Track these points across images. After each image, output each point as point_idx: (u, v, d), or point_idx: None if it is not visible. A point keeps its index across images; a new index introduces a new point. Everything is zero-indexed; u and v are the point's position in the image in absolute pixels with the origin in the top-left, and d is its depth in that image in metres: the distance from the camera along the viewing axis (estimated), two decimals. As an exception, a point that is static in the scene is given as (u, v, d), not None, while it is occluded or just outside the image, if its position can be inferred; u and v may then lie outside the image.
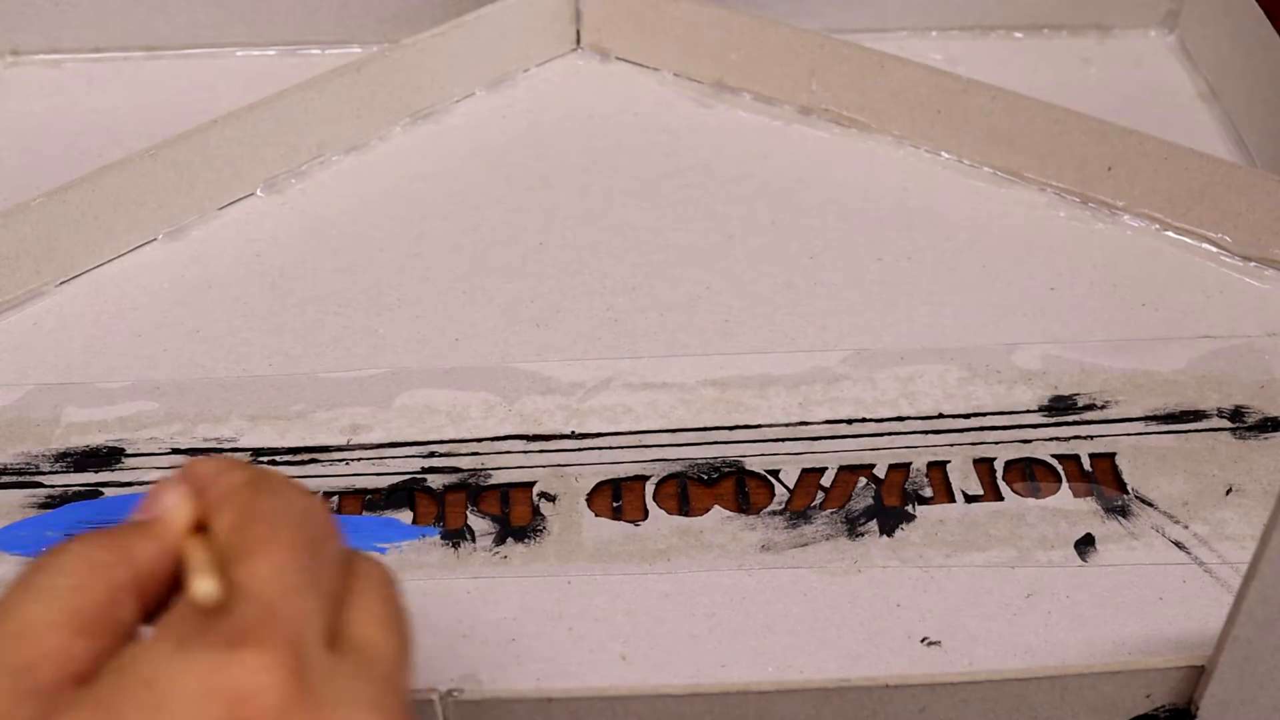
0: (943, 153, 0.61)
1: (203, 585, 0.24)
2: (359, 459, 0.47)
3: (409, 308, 0.53)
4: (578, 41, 0.67)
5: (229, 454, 0.47)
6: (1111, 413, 0.49)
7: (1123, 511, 0.45)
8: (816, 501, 0.46)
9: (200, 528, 0.28)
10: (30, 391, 0.49)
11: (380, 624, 0.27)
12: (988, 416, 0.49)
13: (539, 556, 0.44)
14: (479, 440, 0.48)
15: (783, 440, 0.48)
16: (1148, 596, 0.43)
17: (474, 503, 0.46)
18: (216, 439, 0.48)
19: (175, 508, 0.28)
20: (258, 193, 0.58)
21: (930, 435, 0.48)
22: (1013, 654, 0.41)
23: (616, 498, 0.46)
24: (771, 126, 0.63)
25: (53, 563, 0.26)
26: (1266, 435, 0.48)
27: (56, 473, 0.46)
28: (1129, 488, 0.46)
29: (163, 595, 0.27)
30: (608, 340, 0.52)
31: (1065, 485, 0.46)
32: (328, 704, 0.24)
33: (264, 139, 0.57)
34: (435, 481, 0.46)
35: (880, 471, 0.47)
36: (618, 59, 0.66)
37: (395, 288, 0.54)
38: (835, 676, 0.39)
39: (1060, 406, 0.49)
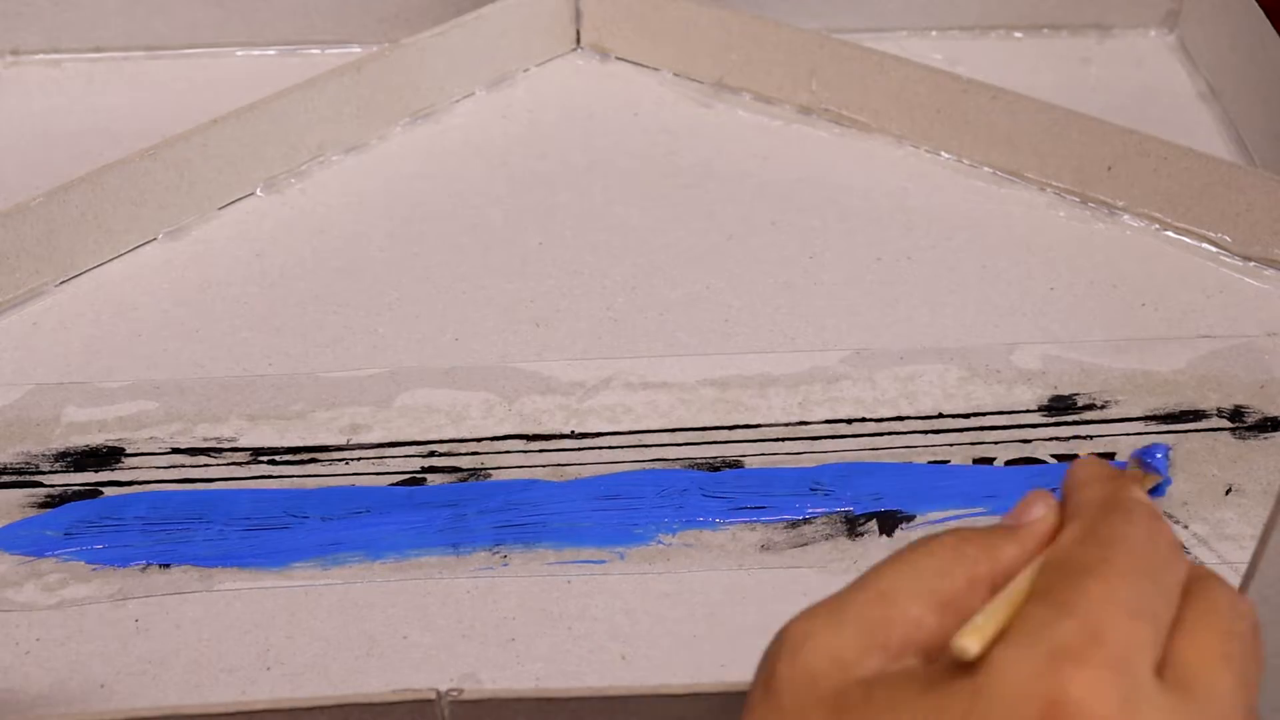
0: (943, 153, 0.61)
1: (964, 641, 0.25)
2: (359, 459, 0.47)
3: (409, 308, 0.53)
4: (578, 41, 0.67)
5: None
6: (1111, 413, 0.49)
7: (1123, 511, 0.45)
8: (816, 501, 0.46)
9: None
10: (30, 391, 0.49)
11: (1216, 660, 0.26)
12: (987, 416, 0.49)
13: (539, 556, 0.44)
14: (479, 440, 0.48)
15: (782, 440, 0.48)
16: (1147, 596, 0.43)
17: (474, 503, 0.46)
18: (216, 439, 0.48)
19: (1042, 520, 0.29)
20: (258, 193, 0.58)
21: (930, 435, 0.48)
22: (1012, 654, 0.41)
23: (616, 498, 0.46)
24: (771, 126, 0.63)
25: (926, 545, 0.28)
26: (1266, 435, 0.48)
27: (56, 472, 0.46)
28: (1129, 488, 0.46)
29: None
30: (608, 340, 0.52)
31: (1065, 485, 0.46)
32: None
33: (264, 139, 0.57)
34: (435, 481, 0.46)
35: (880, 471, 0.47)
36: (618, 59, 0.66)
37: (395, 288, 0.54)
38: (835, 676, 0.39)
39: (1060, 406, 0.49)
